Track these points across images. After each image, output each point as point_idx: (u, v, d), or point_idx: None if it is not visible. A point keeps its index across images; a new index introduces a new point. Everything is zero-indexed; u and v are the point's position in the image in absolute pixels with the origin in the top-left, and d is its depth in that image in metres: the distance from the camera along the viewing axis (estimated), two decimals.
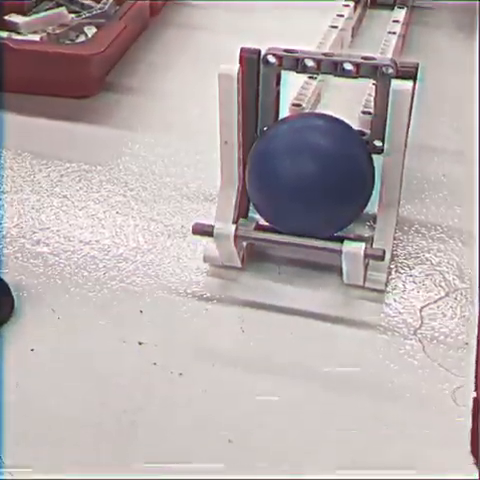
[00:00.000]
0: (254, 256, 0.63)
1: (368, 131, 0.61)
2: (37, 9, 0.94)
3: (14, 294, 0.60)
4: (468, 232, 0.67)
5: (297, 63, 0.59)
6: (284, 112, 0.64)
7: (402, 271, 0.63)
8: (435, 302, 0.60)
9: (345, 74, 0.58)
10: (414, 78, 0.57)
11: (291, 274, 0.62)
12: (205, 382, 0.54)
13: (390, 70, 0.57)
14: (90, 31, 0.89)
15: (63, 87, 0.82)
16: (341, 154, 0.58)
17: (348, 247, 0.57)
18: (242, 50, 0.59)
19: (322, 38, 0.84)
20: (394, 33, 0.86)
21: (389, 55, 0.80)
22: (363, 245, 0.56)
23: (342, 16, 0.90)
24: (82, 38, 0.89)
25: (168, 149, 0.77)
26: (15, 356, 0.56)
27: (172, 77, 0.89)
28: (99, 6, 0.92)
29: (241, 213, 0.63)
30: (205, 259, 0.63)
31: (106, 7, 0.91)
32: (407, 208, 0.69)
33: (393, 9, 0.92)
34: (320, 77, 0.76)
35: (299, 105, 0.72)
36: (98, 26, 0.89)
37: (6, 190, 0.72)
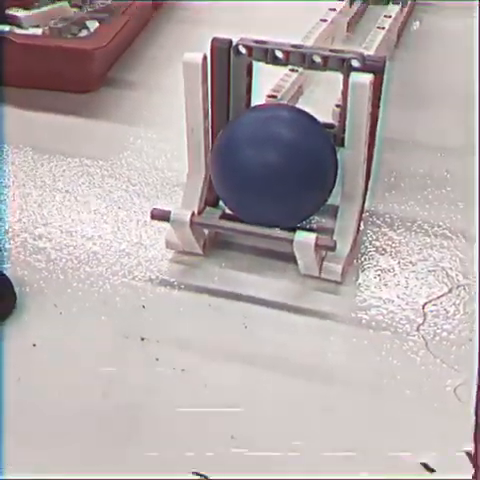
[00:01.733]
0: (225, 245, 0.64)
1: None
2: (39, 3, 0.94)
3: (16, 289, 0.59)
4: (471, 228, 0.66)
5: (266, 54, 0.59)
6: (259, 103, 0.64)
7: (405, 267, 0.63)
8: (438, 298, 0.60)
9: (313, 66, 0.59)
10: (382, 72, 0.58)
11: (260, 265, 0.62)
12: (208, 378, 0.54)
13: (356, 63, 0.57)
14: (92, 25, 0.89)
15: (65, 81, 0.82)
16: (302, 146, 0.58)
17: (299, 237, 0.57)
18: (214, 40, 0.60)
19: (308, 31, 0.83)
20: (383, 28, 0.85)
21: (372, 50, 0.79)
22: (314, 235, 0.57)
23: (334, 10, 0.89)
24: (84, 32, 0.89)
25: (170, 144, 0.77)
26: (17, 351, 0.56)
27: (174, 72, 0.88)
28: (101, 0, 0.92)
29: (210, 202, 0.64)
30: (167, 244, 0.63)
31: (109, 1, 0.91)
32: (410, 204, 0.69)
33: (387, 3, 0.91)
34: (301, 70, 0.75)
35: (274, 96, 0.71)
36: (100, 20, 0.88)
37: (8, 185, 0.71)
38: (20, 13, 0.90)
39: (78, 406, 0.52)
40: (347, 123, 0.58)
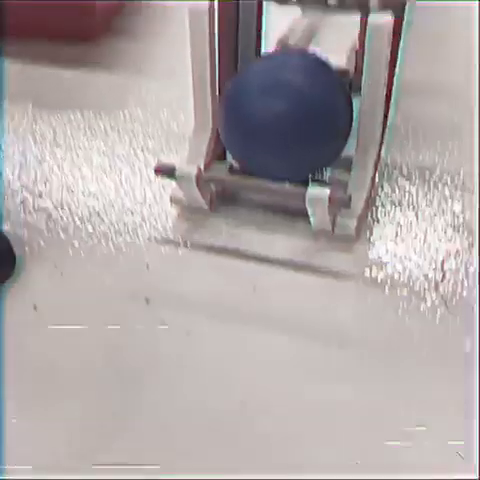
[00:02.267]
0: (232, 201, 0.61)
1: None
2: None
3: (15, 249, 0.57)
4: None
5: None
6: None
7: (423, 221, 0.60)
8: (458, 253, 0.57)
9: (329, 7, 0.55)
10: (401, 11, 0.54)
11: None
12: (214, 341, 0.52)
13: (374, 2, 0.53)
14: None
15: (68, 30, 0.79)
16: (315, 94, 0.55)
17: (312, 191, 0.54)
18: None
19: None
20: None
21: None
22: (328, 189, 0.54)
23: None
24: None
25: (175, 94, 0.73)
26: (17, 313, 0.54)
27: (179, 20, 0.84)
28: None
29: (217, 155, 0.61)
30: (172, 201, 0.60)
31: None
32: (428, 154, 0.65)
33: None
34: (314, 12, 0.72)
35: (286, 41, 0.69)
36: None
37: (7, 140, 0.69)
38: None
39: (78, 370, 0.51)
40: (364, 68, 0.54)
